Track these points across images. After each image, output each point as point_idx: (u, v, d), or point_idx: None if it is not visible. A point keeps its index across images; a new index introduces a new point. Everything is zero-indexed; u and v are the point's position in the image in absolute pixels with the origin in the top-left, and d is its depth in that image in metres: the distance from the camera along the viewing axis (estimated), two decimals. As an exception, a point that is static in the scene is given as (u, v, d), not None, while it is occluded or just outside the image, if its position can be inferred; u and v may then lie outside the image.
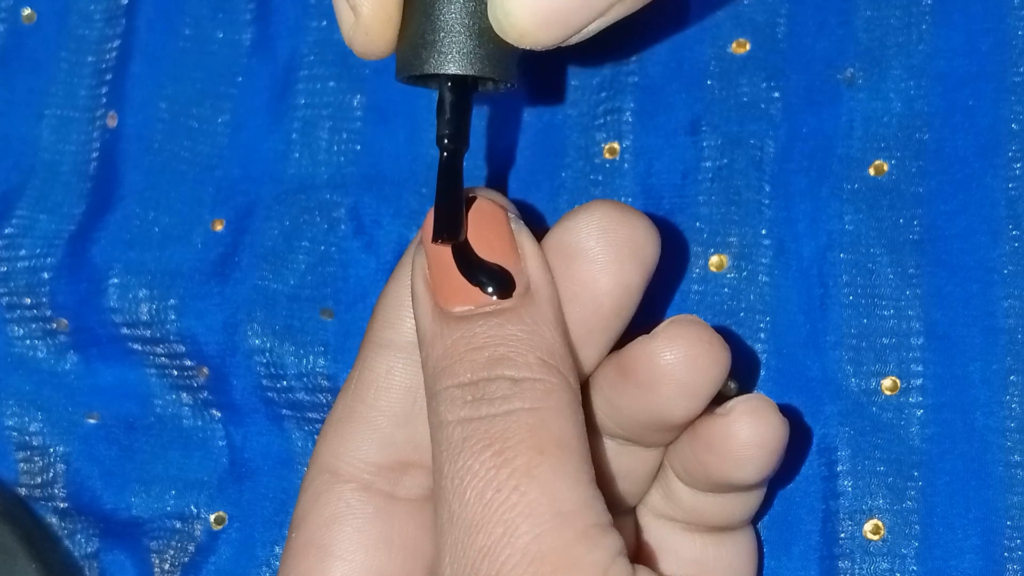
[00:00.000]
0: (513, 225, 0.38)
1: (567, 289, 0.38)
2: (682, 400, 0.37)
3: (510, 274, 0.37)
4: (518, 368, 0.36)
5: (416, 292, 0.37)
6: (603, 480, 0.37)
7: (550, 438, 0.35)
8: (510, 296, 0.37)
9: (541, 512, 0.34)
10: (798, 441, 0.42)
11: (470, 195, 0.38)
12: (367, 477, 0.39)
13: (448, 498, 0.35)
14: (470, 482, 0.35)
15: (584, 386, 0.38)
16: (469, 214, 0.37)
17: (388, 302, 0.39)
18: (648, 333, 0.37)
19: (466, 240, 0.37)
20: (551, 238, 0.38)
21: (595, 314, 0.38)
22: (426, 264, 0.37)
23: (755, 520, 0.41)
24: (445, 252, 0.37)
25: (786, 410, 0.42)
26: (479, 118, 0.46)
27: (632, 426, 0.38)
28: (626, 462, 0.39)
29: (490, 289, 0.37)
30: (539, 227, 0.40)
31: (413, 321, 0.38)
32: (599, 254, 0.37)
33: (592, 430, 0.38)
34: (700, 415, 0.38)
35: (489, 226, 0.37)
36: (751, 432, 0.37)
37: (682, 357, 0.37)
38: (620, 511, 0.40)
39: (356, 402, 0.39)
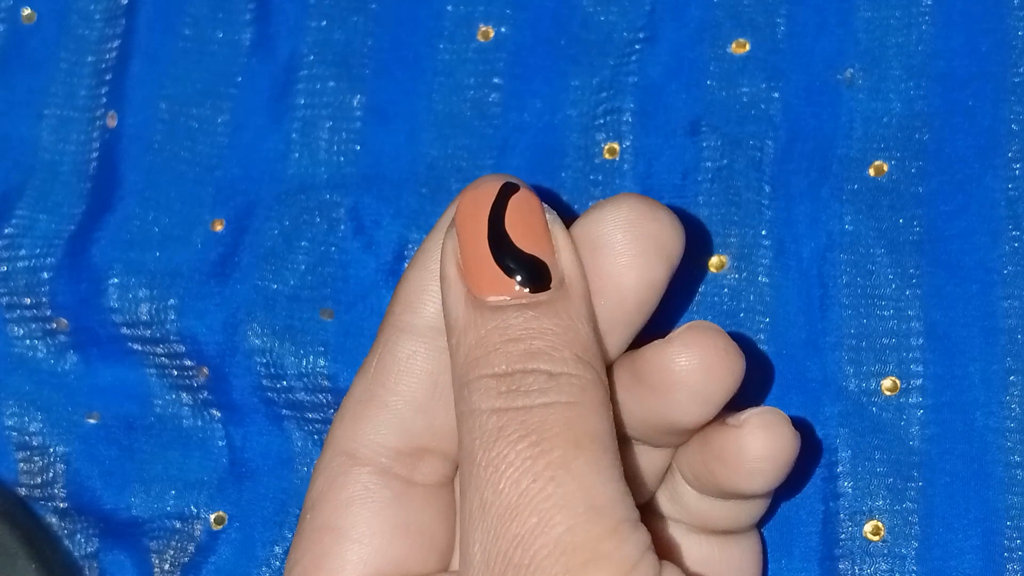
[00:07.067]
0: (547, 216, 0.37)
1: (592, 282, 0.37)
2: (694, 406, 0.37)
3: (546, 266, 0.36)
4: (554, 363, 0.36)
5: (447, 276, 0.37)
6: None
7: (586, 433, 0.35)
8: (546, 289, 0.36)
9: (575, 504, 0.34)
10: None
11: (507, 181, 0.37)
12: (384, 461, 0.38)
13: (480, 485, 0.35)
14: (505, 471, 0.35)
15: None
16: (508, 202, 0.37)
17: (411, 286, 0.38)
18: (663, 337, 0.37)
19: (504, 228, 0.37)
20: (577, 230, 0.38)
21: (619, 308, 0.37)
22: (458, 248, 0.37)
23: (758, 523, 0.42)
24: (481, 238, 0.36)
25: (785, 411, 0.42)
26: (478, 118, 0.46)
27: (642, 428, 0.38)
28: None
29: (525, 280, 0.36)
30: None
31: (435, 307, 0.38)
32: (626, 248, 0.37)
33: None
34: (712, 421, 0.38)
35: (525, 215, 0.37)
36: (763, 446, 0.37)
37: (696, 363, 0.36)
38: None
39: (376, 386, 0.38)
